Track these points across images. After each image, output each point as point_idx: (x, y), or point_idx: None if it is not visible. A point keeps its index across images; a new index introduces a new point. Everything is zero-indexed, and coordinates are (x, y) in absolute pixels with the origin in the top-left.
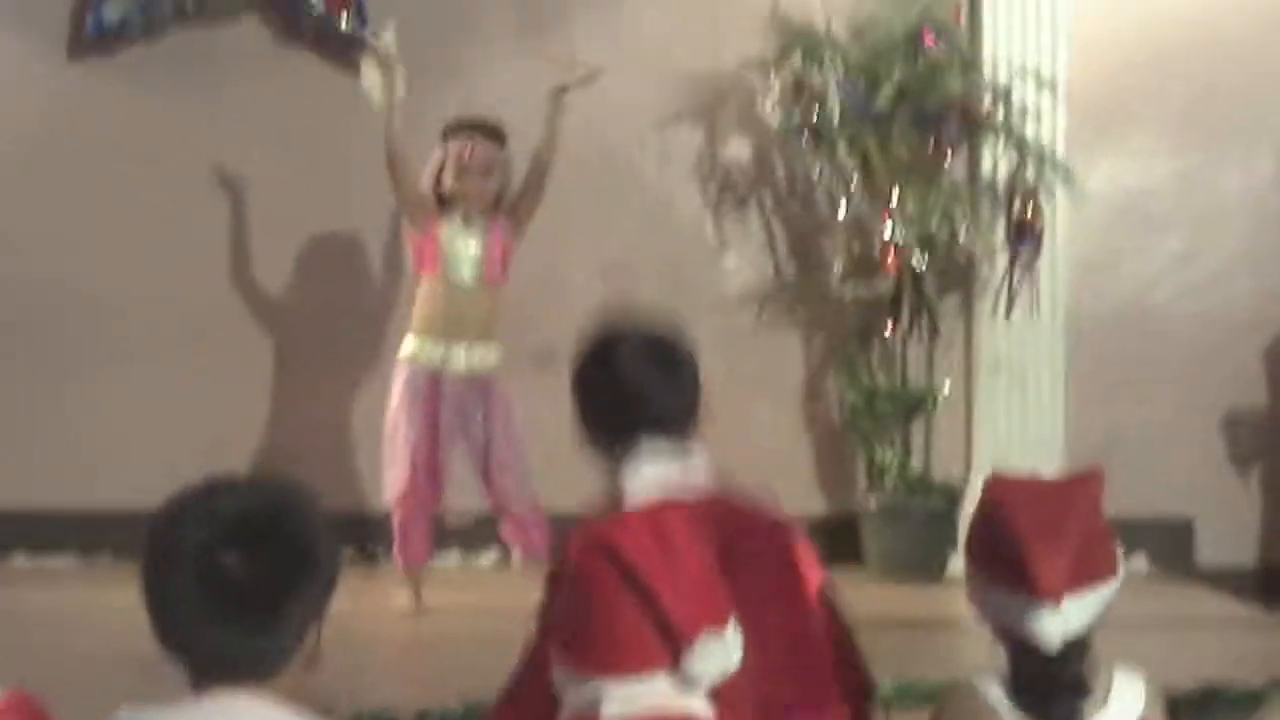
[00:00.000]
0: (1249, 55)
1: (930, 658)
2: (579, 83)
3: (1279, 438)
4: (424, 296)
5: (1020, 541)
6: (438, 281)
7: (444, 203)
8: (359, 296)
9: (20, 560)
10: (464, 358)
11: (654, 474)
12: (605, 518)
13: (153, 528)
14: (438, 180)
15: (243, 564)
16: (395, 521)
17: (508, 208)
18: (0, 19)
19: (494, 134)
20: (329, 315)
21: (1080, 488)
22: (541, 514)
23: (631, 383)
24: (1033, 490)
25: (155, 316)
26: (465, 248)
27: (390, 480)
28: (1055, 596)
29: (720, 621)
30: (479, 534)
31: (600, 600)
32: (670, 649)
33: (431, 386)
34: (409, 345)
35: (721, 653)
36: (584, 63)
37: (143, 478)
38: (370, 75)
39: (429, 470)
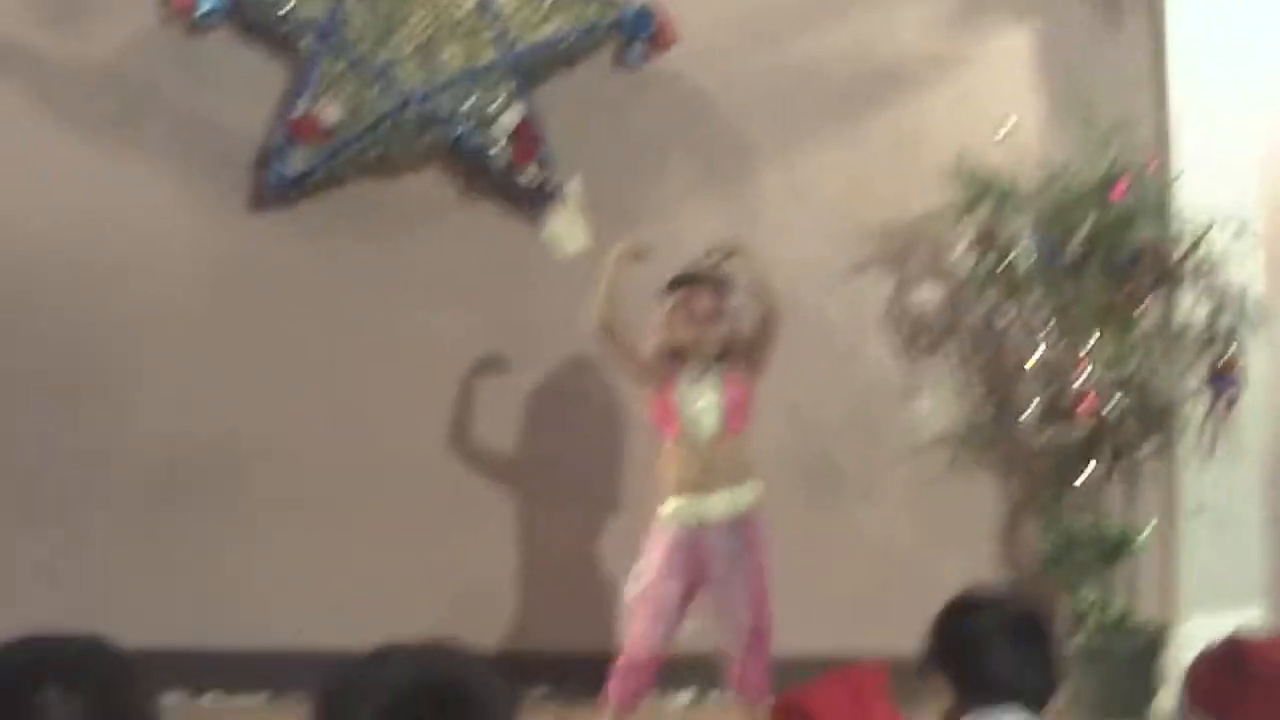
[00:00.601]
0: None
1: None
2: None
3: None
4: (670, 456)
5: None
6: (682, 441)
7: (676, 358)
8: (546, 442)
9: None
10: (725, 503)
11: None
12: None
13: (320, 697)
14: (665, 337)
15: None
16: (622, 664)
17: (744, 353)
18: (186, 169)
19: (717, 282)
20: (515, 464)
21: None
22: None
23: (996, 657)
24: None
25: (335, 465)
26: (704, 402)
27: (635, 631)
28: None
29: None
30: (676, 672)
31: None
32: None
33: (696, 539)
34: (667, 506)
35: None
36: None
37: (331, 620)
38: (555, 224)
39: (671, 622)
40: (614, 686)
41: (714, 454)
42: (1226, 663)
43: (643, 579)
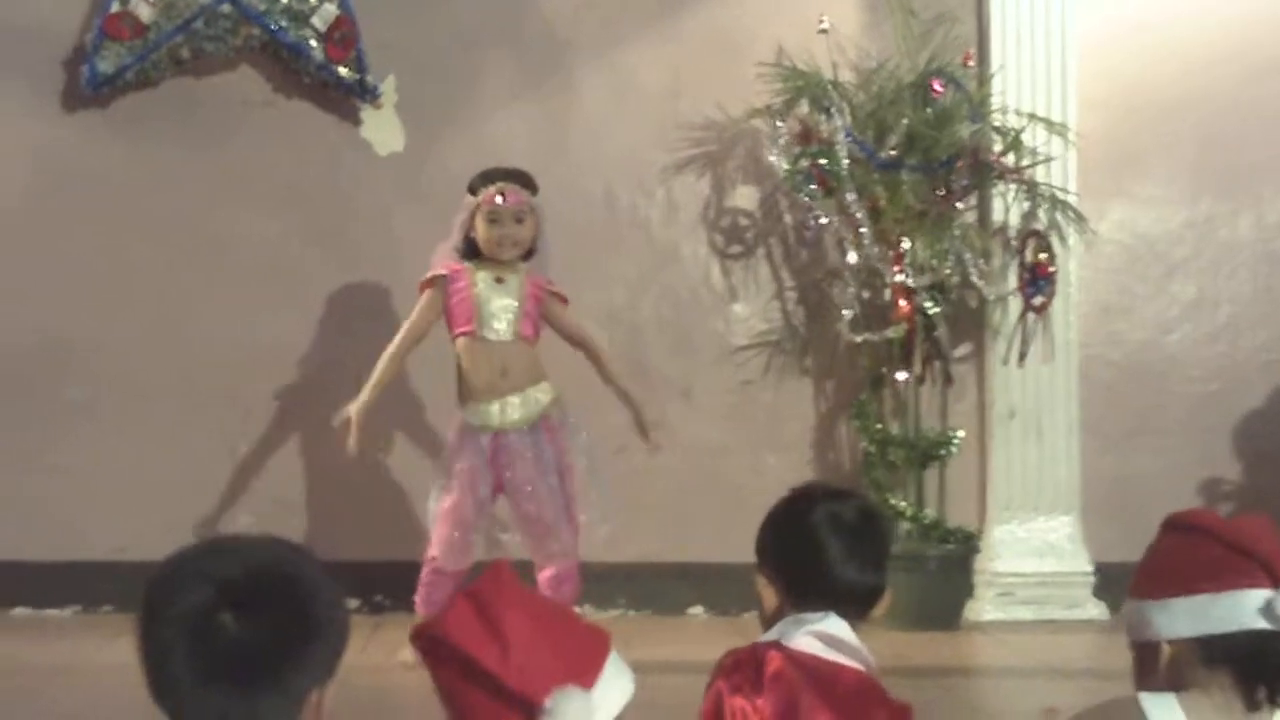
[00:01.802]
0: (1260, 101)
1: (951, 706)
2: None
3: None
4: (465, 358)
5: (1247, 542)
6: (475, 342)
7: (475, 254)
8: (361, 346)
9: (20, 612)
10: (520, 408)
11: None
12: None
13: (149, 588)
14: (469, 235)
15: (240, 626)
16: (427, 572)
17: (551, 302)
18: None
19: (526, 181)
20: (330, 366)
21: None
22: (576, 567)
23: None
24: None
25: (147, 369)
26: (501, 303)
27: (438, 536)
28: None
29: (572, 677)
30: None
31: (451, 690)
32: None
33: (488, 445)
34: (462, 411)
35: (582, 707)
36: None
37: (143, 530)
38: (370, 123)
39: (470, 530)
40: (421, 596)
41: (509, 356)
42: (1154, 538)
43: (446, 486)
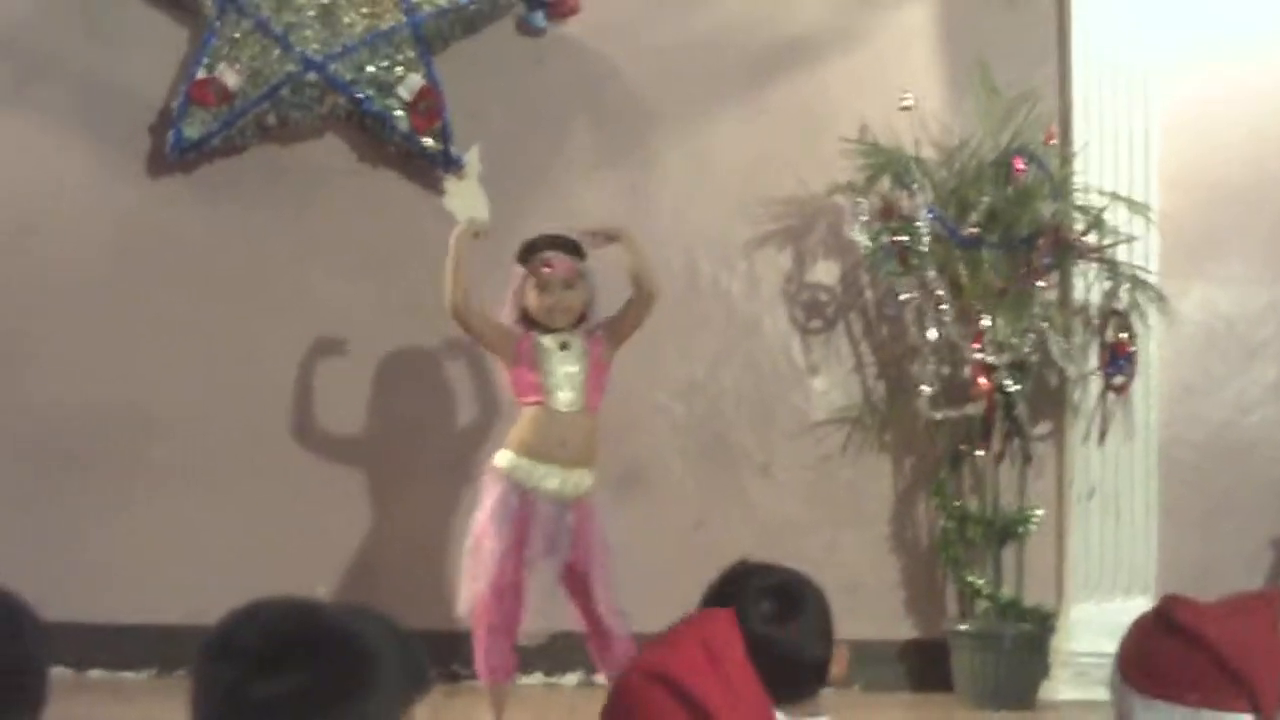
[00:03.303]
0: None
1: None
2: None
3: None
4: (526, 421)
5: (1239, 665)
6: (542, 410)
7: (531, 325)
8: (441, 415)
9: (96, 674)
10: (559, 482)
11: None
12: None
13: (195, 660)
14: (521, 306)
15: (273, 687)
16: (477, 636)
17: (608, 326)
18: (86, 132)
19: (570, 247)
20: (411, 433)
21: (1262, 609)
22: (627, 630)
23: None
24: (1225, 612)
25: (227, 432)
26: (566, 371)
27: (470, 594)
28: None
29: None
30: (563, 654)
31: None
32: None
33: (523, 502)
34: (504, 459)
35: None
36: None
37: (219, 594)
38: (454, 194)
39: (514, 586)
40: (477, 658)
41: (570, 428)
42: (1151, 624)
43: (473, 536)
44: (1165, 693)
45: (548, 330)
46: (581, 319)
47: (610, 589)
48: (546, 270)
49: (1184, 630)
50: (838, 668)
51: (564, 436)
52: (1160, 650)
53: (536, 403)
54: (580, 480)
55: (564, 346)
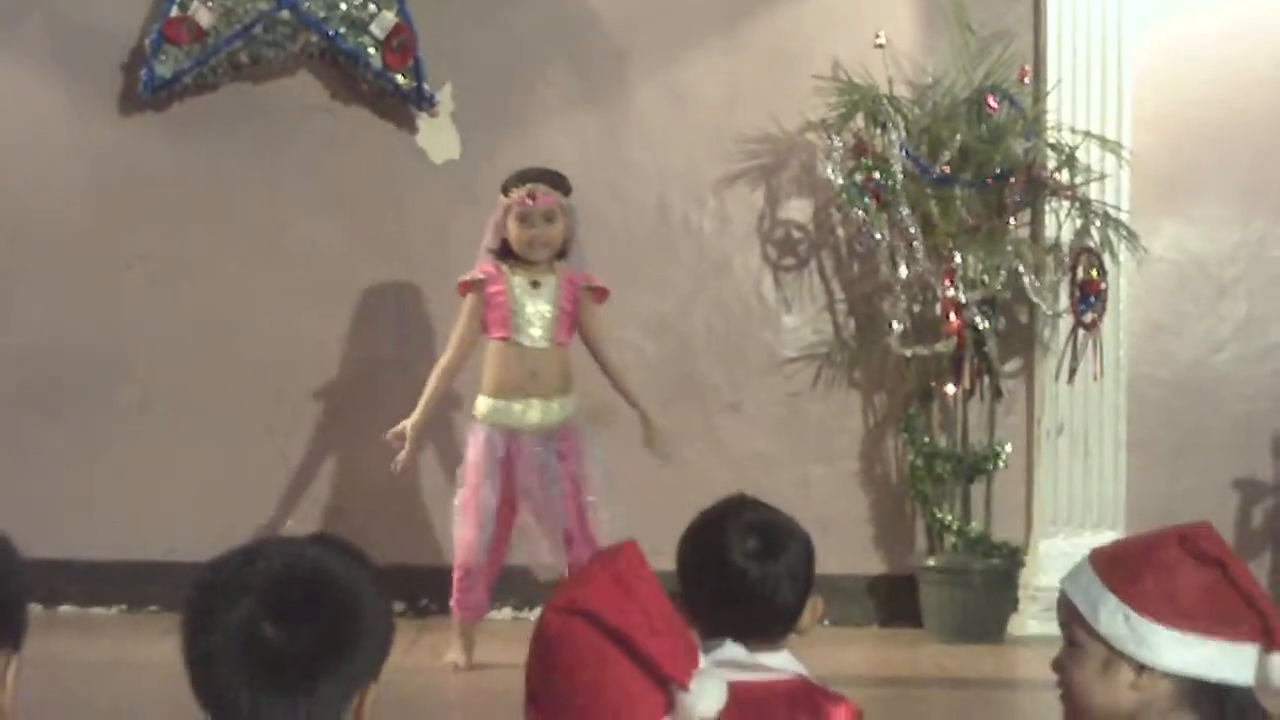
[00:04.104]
0: None
1: (993, 718)
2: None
3: None
4: (494, 357)
5: (1255, 592)
6: (509, 345)
7: (509, 256)
8: (413, 352)
9: (67, 610)
10: (539, 413)
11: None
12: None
13: (193, 594)
14: (501, 236)
15: (282, 635)
16: (457, 576)
17: (585, 307)
18: (59, 71)
19: (557, 181)
20: (383, 372)
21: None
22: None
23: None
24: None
25: (199, 371)
26: (536, 308)
27: (460, 537)
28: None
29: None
30: (532, 589)
31: (582, 666)
32: (664, 698)
33: (508, 445)
34: (482, 406)
35: (716, 689)
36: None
37: (192, 531)
38: (427, 131)
39: (500, 530)
40: (455, 598)
41: (540, 359)
42: (1176, 554)
43: (463, 483)
44: (1200, 628)
45: (526, 263)
46: (561, 254)
47: (595, 513)
48: (530, 202)
49: (1214, 560)
50: (809, 617)
51: (534, 368)
52: (1191, 577)
53: (501, 338)
54: (561, 407)
55: (535, 285)
